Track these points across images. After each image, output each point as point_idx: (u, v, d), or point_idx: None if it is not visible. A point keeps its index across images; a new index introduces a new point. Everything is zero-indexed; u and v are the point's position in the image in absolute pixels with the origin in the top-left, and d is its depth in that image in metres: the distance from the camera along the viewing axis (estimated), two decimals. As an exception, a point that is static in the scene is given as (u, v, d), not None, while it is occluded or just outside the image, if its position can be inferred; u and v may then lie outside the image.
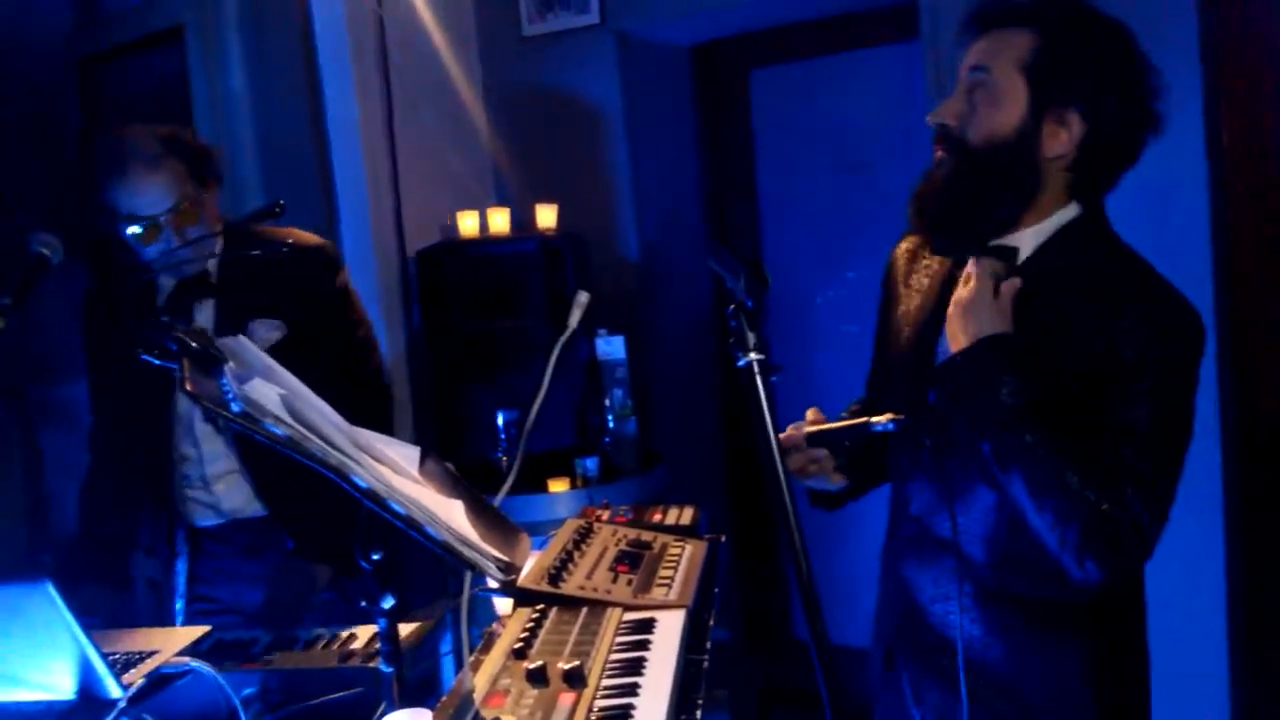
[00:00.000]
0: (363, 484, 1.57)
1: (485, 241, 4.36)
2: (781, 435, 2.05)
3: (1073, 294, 1.92)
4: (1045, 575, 1.91)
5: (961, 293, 1.96)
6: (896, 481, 2.24)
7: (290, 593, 2.81)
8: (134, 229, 2.75)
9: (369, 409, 2.78)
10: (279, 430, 1.53)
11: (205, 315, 2.88)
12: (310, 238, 3.06)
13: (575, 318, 2.07)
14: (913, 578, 2.15)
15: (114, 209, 2.77)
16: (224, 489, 2.92)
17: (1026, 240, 1.98)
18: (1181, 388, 1.88)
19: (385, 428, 2.84)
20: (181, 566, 2.96)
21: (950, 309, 1.98)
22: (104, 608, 2.84)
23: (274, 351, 2.71)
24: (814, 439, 2.12)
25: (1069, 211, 1.98)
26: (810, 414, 2.16)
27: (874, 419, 1.99)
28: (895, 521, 2.25)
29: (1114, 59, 1.92)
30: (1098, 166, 1.96)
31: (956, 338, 1.95)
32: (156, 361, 1.60)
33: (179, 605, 2.95)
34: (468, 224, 4.39)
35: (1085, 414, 1.86)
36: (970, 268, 1.98)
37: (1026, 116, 1.92)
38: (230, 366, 1.58)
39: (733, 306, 1.79)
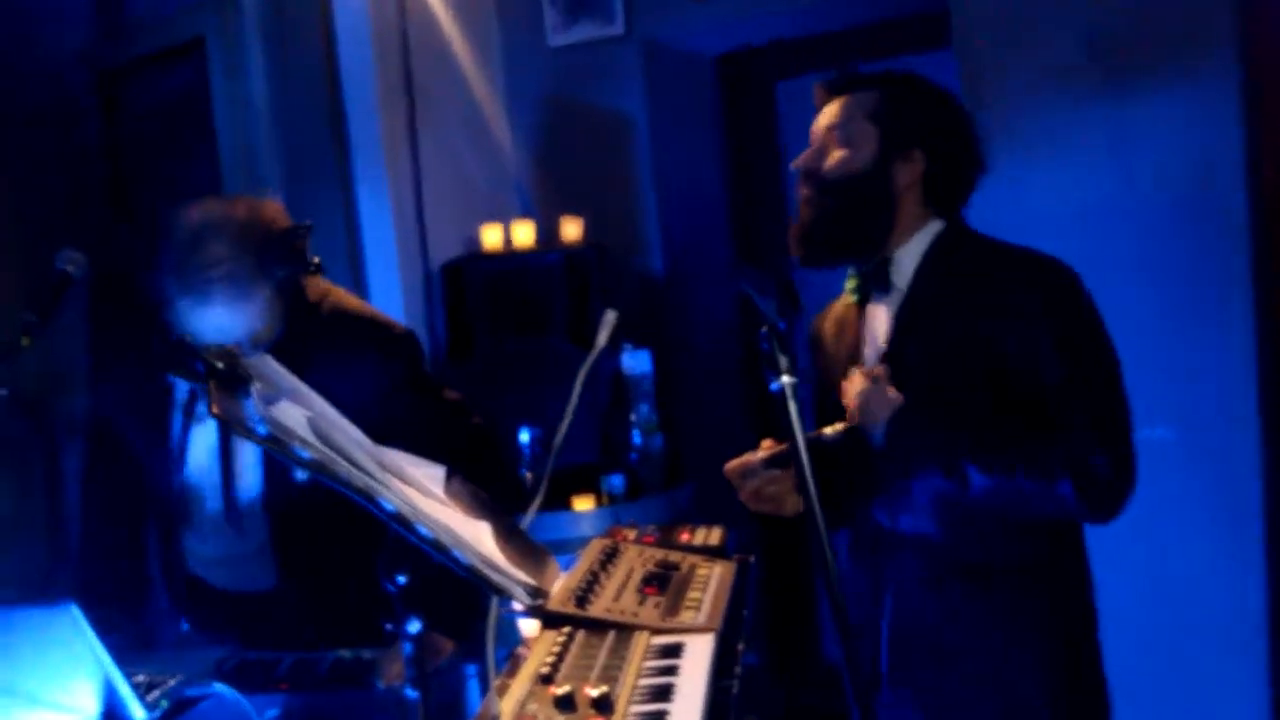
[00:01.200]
0: (389, 507, 1.55)
1: (509, 254, 4.35)
2: (730, 464, 2.38)
3: (954, 288, 2.21)
4: (1000, 537, 2.20)
5: (850, 401, 2.23)
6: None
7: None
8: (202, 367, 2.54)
9: (482, 463, 2.65)
10: (306, 453, 1.51)
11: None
12: (393, 324, 2.84)
13: (603, 337, 2.06)
14: (882, 582, 2.32)
15: (180, 327, 2.48)
16: (236, 564, 2.73)
17: (904, 257, 2.30)
18: (1082, 325, 2.15)
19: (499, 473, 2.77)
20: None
21: (850, 415, 2.25)
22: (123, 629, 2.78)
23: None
24: (770, 462, 2.33)
25: (935, 226, 2.30)
26: (765, 444, 2.37)
27: (825, 430, 2.29)
28: (856, 538, 2.44)
29: (944, 109, 2.31)
30: (941, 193, 2.29)
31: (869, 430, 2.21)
32: (184, 381, 1.58)
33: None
34: (491, 236, 4.38)
35: (1010, 407, 2.13)
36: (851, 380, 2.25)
37: (879, 155, 2.26)
38: (257, 388, 1.56)
39: (764, 328, 1.79)
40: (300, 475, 2.54)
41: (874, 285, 2.33)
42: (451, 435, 2.79)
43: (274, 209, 2.65)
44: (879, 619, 2.34)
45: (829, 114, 2.33)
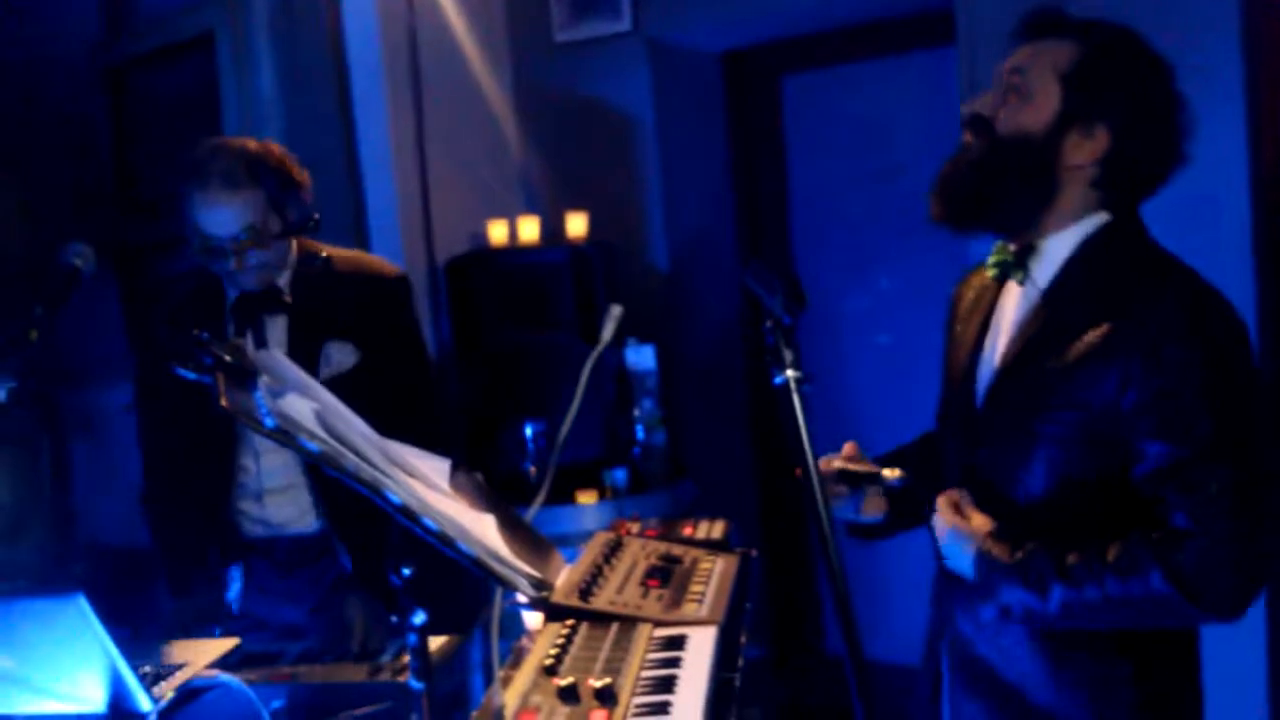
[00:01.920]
0: (396, 499, 1.57)
1: (515, 250, 4.36)
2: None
3: (1102, 300, 1.92)
4: None
5: (938, 533, 2.06)
6: None
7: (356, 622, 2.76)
8: (197, 243, 2.74)
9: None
10: (313, 445, 1.53)
11: (278, 331, 2.85)
12: (389, 267, 3.06)
13: (608, 331, 2.06)
14: (959, 607, 2.12)
15: (188, 217, 2.75)
16: (276, 503, 2.88)
17: (1053, 247, 2.01)
18: (1235, 388, 1.85)
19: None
20: (236, 577, 2.92)
21: (938, 547, 2.08)
22: (192, 620, 2.83)
23: (346, 378, 2.76)
24: (839, 476, 2.20)
25: (1098, 219, 2.00)
26: (847, 448, 2.22)
27: (885, 472, 2.13)
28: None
29: (1150, 86, 1.98)
30: (1118, 185, 1.99)
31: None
32: (191, 375, 1.60)
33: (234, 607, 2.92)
34: (497, 232, 4.39)
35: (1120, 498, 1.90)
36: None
37: (1055, 120, 1.96)
38: (265, 381, 1.57)
39: (769, 323, 1.79)
40: (324, 374, 2.79)
41: (1012, 269, 2.06)
42: (411, 400, 2.97)
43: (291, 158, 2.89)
44: (945, 637, 2.18)
45: (1016, 57, 2.02)
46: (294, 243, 2.90)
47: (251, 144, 2.80)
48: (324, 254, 2.92)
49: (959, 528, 2.00)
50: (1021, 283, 2.04)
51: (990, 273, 2.11)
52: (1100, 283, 1.95)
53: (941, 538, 2.04)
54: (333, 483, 2.74)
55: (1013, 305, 2.08)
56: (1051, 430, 1.93)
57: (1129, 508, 1.89)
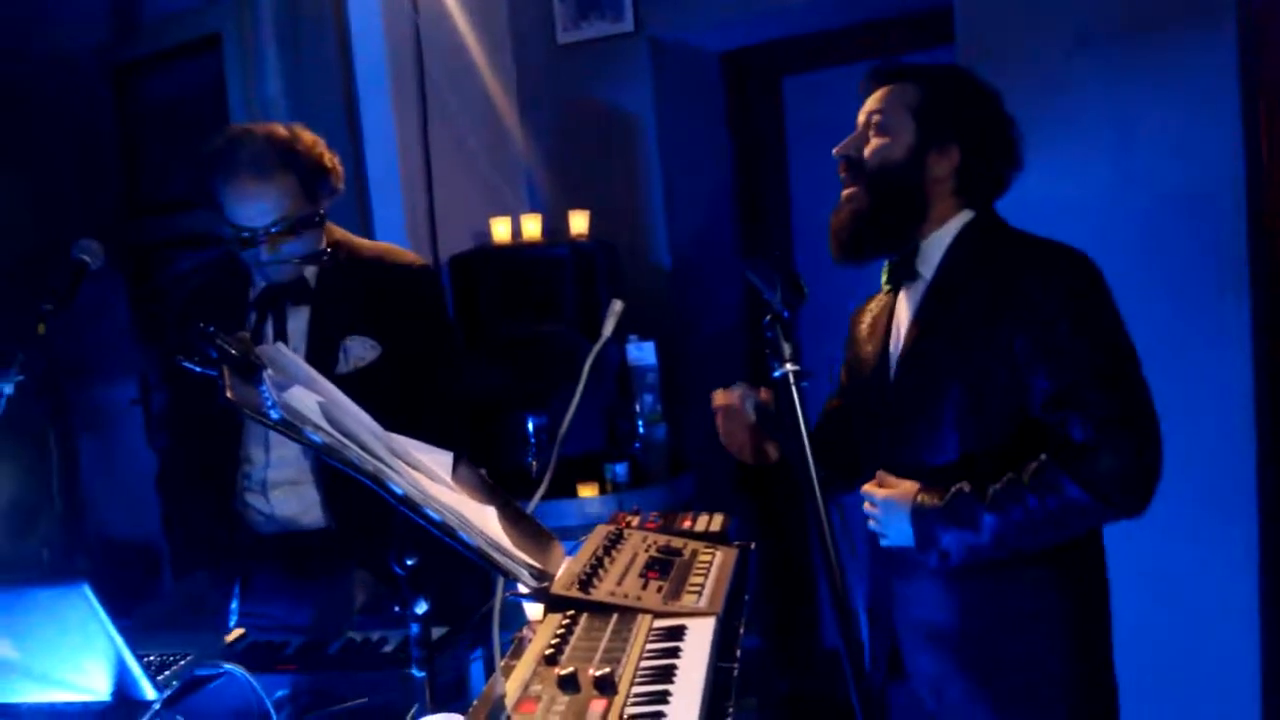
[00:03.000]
0: (399, 490, 1.58)
1: (518, 247, 4.37)
2: (721, 395, 2.62)
3: (974, 278, 2.26)
4: None
5: (871, 521, 2.34)
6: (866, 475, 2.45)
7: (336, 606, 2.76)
8: (229, 234, 2.71)
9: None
10: (317, 437, 1.54)
11: (299, 324, 2.81)
12: (413, 257, 3.01)
13: (609, 326, 2.08)
14: (896, 572, 2.39)
15: (219, 208, 2.71)
16: (281, 496, 2.83)
17: (932, 246, 2.36)
18: (1100, 318, 2.17)
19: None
20: (236, 591, 2.87)
21: (874, 534, 2.36)
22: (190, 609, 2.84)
23: (369, 372, 2.74)
24: (759, 410, 2.55)
25: (964, 216, 2.35)
26: (764, 393, 2.58)
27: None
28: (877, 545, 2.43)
29: (984, 108, 2.34)
30: (974, 187, 2.34)
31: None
32: (197, 369, 1.61)
33: (232, 619, 2.86)
34: (500, 230, 4.41)
35: (1019, 401, 2.18)
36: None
37: (914, 148, 2.32)
38: (270, 374, 1.59)
39: (769, 317, 1.83)
40: (342, 368, 2.76)
41: (902, 273, 2.39)
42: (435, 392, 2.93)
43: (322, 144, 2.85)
44: (890, 606, 2.41)
45: (872, 102, 2.40)
46: (324, 232, 2.87)
47: (280, 129, 2.76)
48: (350, 244, 2.90)
49: (890, 497, 2.28)
50: (912, 280, 2.38)
51: (886, 286, 2.47)
52: (976, 262, 2.28)
53: (877, 515, 2.31)
54: (341, 479, 2.76)
55: (906, 305, 2.40)
56: (956, 390, 2.22)
57: (1032, 443, 2.16)
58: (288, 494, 2.84)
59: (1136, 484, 2.09)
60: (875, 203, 2.34)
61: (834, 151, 2.43)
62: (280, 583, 2.87)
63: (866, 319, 2.57)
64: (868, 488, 2.34)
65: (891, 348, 2.41)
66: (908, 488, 2.26)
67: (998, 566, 2.21)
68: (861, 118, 2.41)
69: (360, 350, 2.79)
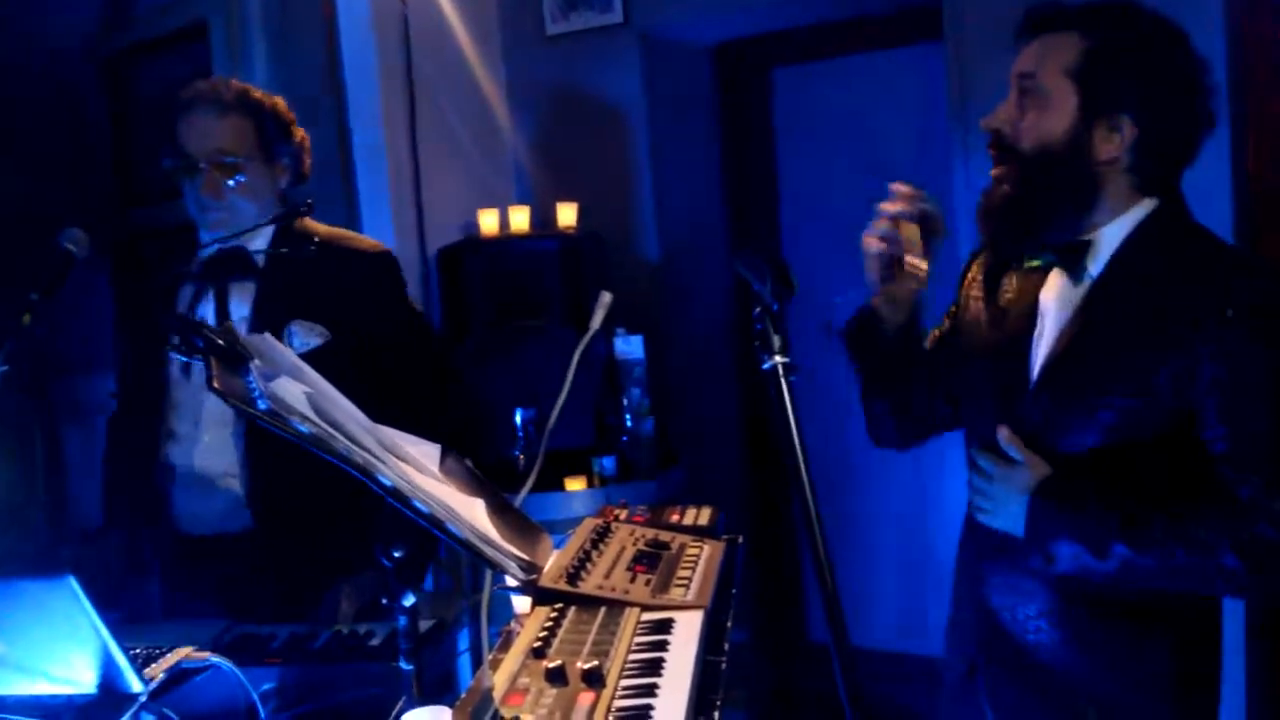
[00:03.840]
0: (387, 482, 1.58)
1: (506, 240, 4.37)
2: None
3: (1150, 287, 1.93)
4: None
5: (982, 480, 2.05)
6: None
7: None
8: (170, 163, 2.67)
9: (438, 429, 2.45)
10: (305, 428, 1.54)
11: (243, 304, 2.73)
12: (372, 243, 2.93)
13: (598, 318, 2.07)
14: (993, 582, 2.15)
15: (172, 143, 2.69)
16: (214, 491, 2.76)
17: (1105, 240, 2.00)
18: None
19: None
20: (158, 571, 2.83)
21: (974, 506, 2.10)
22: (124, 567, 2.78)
23: (312, 358, 2.67)
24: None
25: (1146, 206, 1.99)
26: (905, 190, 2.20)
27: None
28: (972, 526, 2.21)
29: (1163, 62, 1.94)
30: (1155, 167, 1.97)
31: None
32: (184, 358, 1.61)
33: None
34: (488, 222, 4.40)
35: (1178, 442, 1.90)
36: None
37: (1077, 123, 1.94)
38: (257, 364, 1.58)
39: (758, 309, 1.81)
40: None
41: (1065, 266, 2.04)
42: (407, 380, 2.85)
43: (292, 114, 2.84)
44: (977, 617, 2.19)
45: (1024, 60, 2.01)
46: (276, 201, 2.82)
47: (251, 87, 2.76)
48: (305, 227, 2.83)
49: (1012, 473, 1.99)
50: (1079, 279, 2.03)
51: (1032, 263, 2.10)
52: (1155, 270, 1.94)
53: (989, 487, 2.03)
54: (267, 475, 2.70)
55: (1059, 294, 2.06)
56: (1113, 409, 1.93)
57: (1178, 462, 1.92)
58: (217, 488, 2.76)
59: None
60: (1032, 189, 1.99)
61: (982, 124, 2.06)
62: (202, 583, 2.80)
63: (1007, 292, 2.19)
64: (982, 452, 2.05)
65: (1035, 340, 2.08)
66: (1036, 469, 1.97)
67: (1117, 611, 1.99)
68: (1014, 80, 2.02)
69: (305, 336, 2.70)
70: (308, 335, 2.70)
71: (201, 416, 2.74)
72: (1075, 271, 2.02)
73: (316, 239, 2.79)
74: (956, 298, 2.36)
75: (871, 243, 2.19)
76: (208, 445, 2.75)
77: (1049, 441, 2.00)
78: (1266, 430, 1.83)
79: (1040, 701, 2.08)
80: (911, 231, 2.16)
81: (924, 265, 2.15)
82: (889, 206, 2.16)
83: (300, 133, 2.83)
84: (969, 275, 2.32)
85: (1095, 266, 2.01)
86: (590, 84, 4.68)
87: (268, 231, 2.79)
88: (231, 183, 2.69)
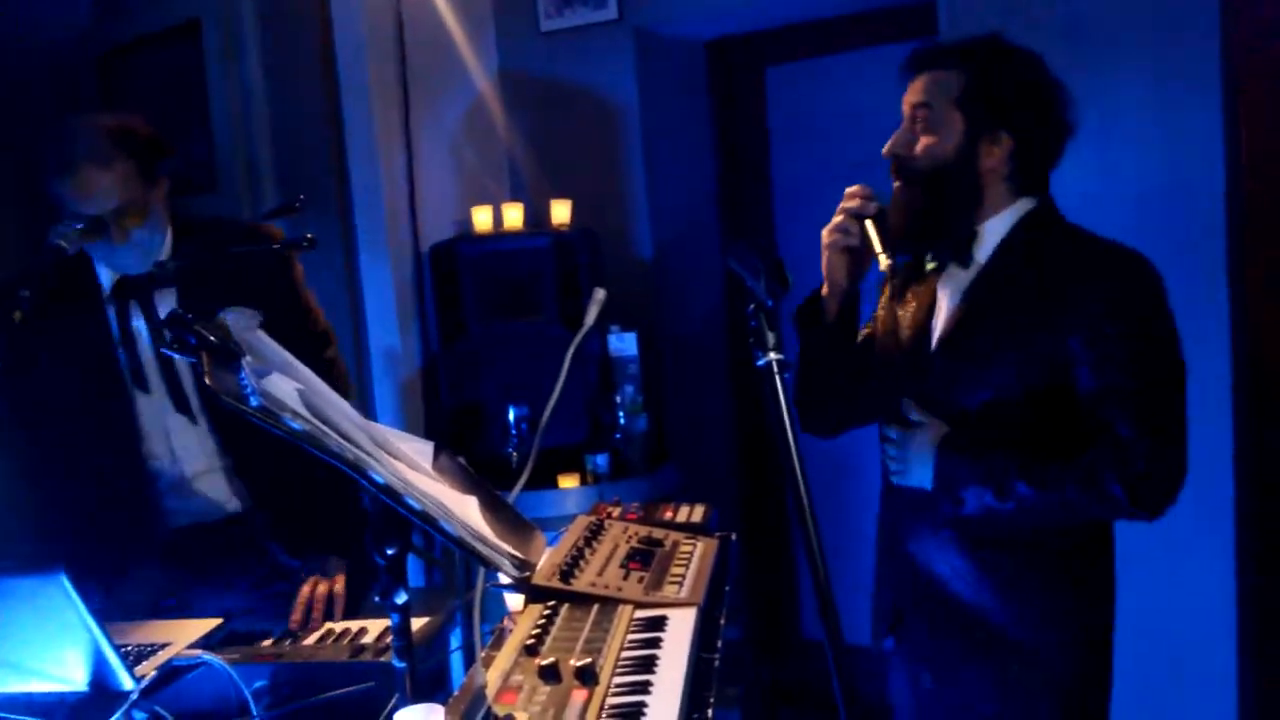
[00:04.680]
0: (379, 479, 1.57)
1: (499, 237, 4.36)
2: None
3: (1030, 272, 2.22)
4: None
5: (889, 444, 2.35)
6: None
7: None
8: (78, 226, 2.59)
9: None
10: (297, 425, 1.53)
11: (167, 305, 2.72)
12: (265, 228, 2.90)
13: (592, 315, 2.08)
14: (911, 540, 2.37)
15: (59, 203, 2.63)
16: (197, 488, 2.79)
17: (989, 232, 2.30)
18: (1152, 326, 2.16)
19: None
20: (153, 575, 2.81)
21: (889, 470, 2.37)
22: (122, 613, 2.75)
23: None
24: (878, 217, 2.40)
25: (1024, 205, 2.29)
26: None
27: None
28: (887, 493, 2.49)
29: (1031, 83, 2.26)
30: (1030, 170, 2.29)
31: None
32: (176, 355, 1.60)
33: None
34: (482, 219, 4.40)
35: (1062, 400, 2.18)
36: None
37: (964, 141, 2.25)
38: (249, 361, 1.58)
39: (753, 306, 1.83)
40: None
41: (955, 258, 2.34)
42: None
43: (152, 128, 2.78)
44: (896, 567, 2.43)
45: (914, 93, 2.33)
46: (166, 214, 2.80)
47: (109, 119, 2.70)
48: (197, 222, 2.85)
49: (916, 433, 2.27)
50: (967, 265, 2.32)
51: (930, 266, 2.40)
52: (1031, 256, 2.24)
53: (898, 450, 2.30)
54: (252, 463, 2.72)
55: (949, 286, 2.35)
56: (1002, 364, 2.20)
57: (1059, 413, 2.18)
58: (202, 485, 2.80)
59: (1166, 491, 2.10)
60: (931, 200, 2.30)
61: (884, 152, 2.37)
62: (205, 572, 2.82)
63: (910, 299, 2.48)
64: (889, 423, 2.33)
65: (933, 326, 2.37)
66: (937, 428, 2.25)
67: (1017, 547, 2.24)
68: (906, 109, 2.35)
69: (241, 321, 2.67)
70: (242, 319, 2.66)
71: (169, 426, 2.77)
72: (964, 259, 2.31)
73: (211, 231, 2.84)
74: (874, 309, 2.65)
75: (827, 238, 2.50)
76: (185, 449, 2.78)
77: (948, 401, 2.27)
78: (1133, 387, 2.10)
79: (961, 644, 2.30)
80: (866, 227, 2.40)
81: (885, 260, 2.37)
82: (847, 205, 2.44)
83: (166, 142, 2.79)
84: (884, 291, 2.61)
85: (981, 255, 2.30)
86: (584, 80, 4.67)
87: (168, 236, 2.79)
88: (140, 227, 2.68)
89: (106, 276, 2.77)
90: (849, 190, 2.44)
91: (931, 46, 2.37)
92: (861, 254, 2.44)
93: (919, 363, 2.36)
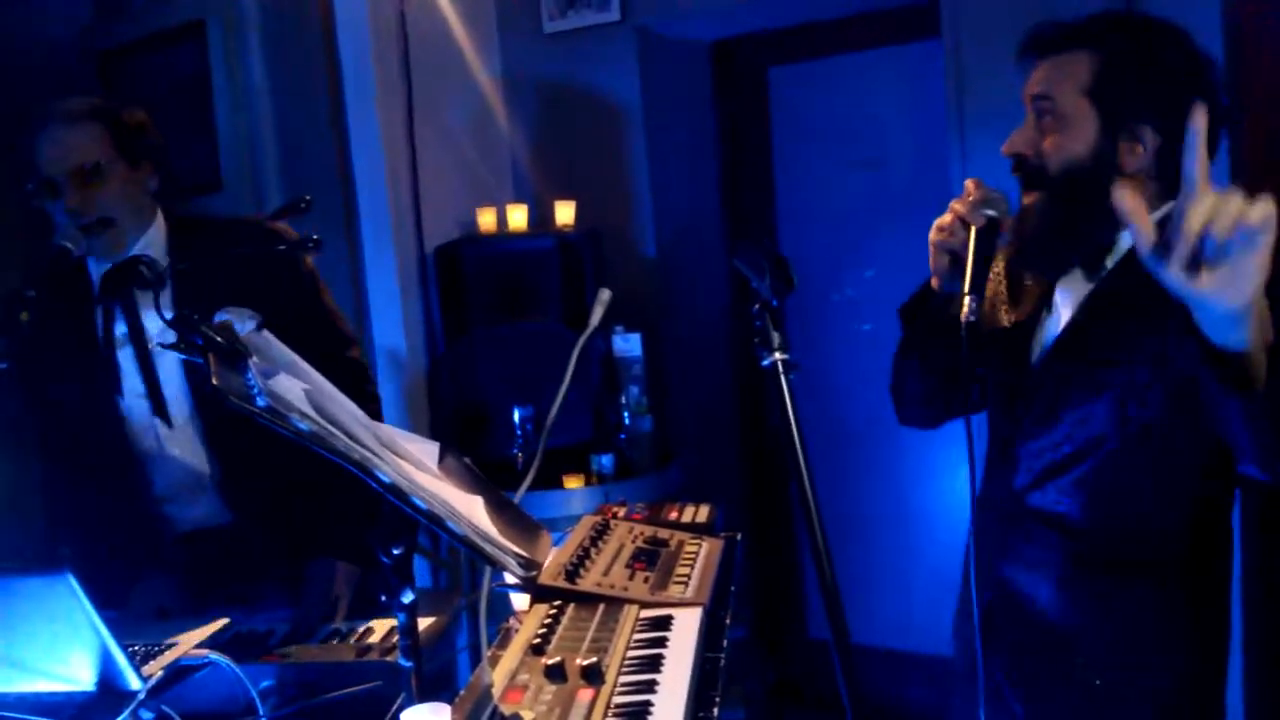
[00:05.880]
0: (386, 479, 1.57)
1: (503, 238, 4.37)
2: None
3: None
4: (1144, 529, 2.01)
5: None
6: (996, 451, 2.22)
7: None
8: (33, 187, 2.57)
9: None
10: (304, 425, 1.53)
11: (162, 305, 2.50)
12: (276, 226, 2.84)
13: (597, 315, 2.07)
14: (1006, 559, 2.15)
15: (32, 171, 2.58)
16: (195, 495, 2.75)
17: (1125, 241, 1.99)
18: None
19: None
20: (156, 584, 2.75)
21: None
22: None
23: None
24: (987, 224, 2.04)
25: (1166, 208, 1.95)
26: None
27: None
28: (984, 506, 2.20)
29: (1174, 66, 1.94)
30: (1179, 171, 1.85)
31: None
32: (183, 355, 1.60)
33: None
34: (486, 220, 4.40)
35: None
36: None
37: (1099, 139, 1.94)
38: (255, 361, 1.58)
39: (757, 305, 1.81)
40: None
41: (1085, 266, 2.05)
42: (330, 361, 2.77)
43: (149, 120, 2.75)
44: (989, 595, 2.16)
45: (1037, 83, 2.01)
46: (159, 214, 2.76)
47: (96, 97, 2.67)
48: (195, 220, 2.81)
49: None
50: (1096, 274, 2.04)
51: None
52: None
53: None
54: (236, 477, 2.69)
55: (1072, 289, 2.08)
56: (1114, 376, 1.95)
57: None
58: (190, 497, 2.76)
59: None
60: (1067, 211, 1.99)
61: (1004, 151, 2.06)
62: (197, 582, 2.78)
63: (1028, 284, 2.21)
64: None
65: (1043, 332, 2.13)
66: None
67: (1123, 569, 2.02)
68: (1027, 103, 2.03)
69: (241, 322, 2.61)
70: (241, 320, 2.64)
71: (158, 431, 2.73)
72: (1095, 269, 2.04)
73: (209, 227, 2.83)
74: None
75: (932, 234, 2.13)
76: (174, 454, 2.74)
77: (1057, 409, 2.03)
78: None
79: (1057, 672, 2.08)
80: (970, 237, 2.05)
81: (967, 304, 2.00)
82: (956, 205, 2.08)
83: (157, 134, 2.75)
84: (993, 269, 2.25)
85: (1110, 262, 2.02)
86: (588, 82, 4.67)
87: (157, 233, 2.75)
88: (101, 202, 2.61)
89: (96, 276, 2.72)
90: (967, 184, 2.09)
91: (1051, 26, 2.03)
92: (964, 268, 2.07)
93: (1023, 363, 2.13)
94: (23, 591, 1.85)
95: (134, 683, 1.90)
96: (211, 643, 2.19)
